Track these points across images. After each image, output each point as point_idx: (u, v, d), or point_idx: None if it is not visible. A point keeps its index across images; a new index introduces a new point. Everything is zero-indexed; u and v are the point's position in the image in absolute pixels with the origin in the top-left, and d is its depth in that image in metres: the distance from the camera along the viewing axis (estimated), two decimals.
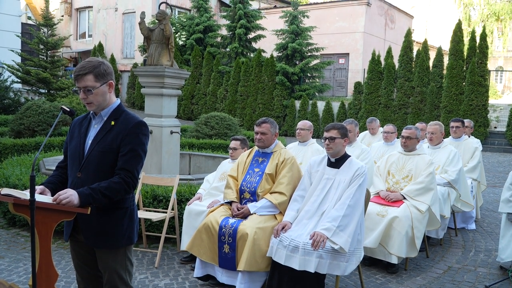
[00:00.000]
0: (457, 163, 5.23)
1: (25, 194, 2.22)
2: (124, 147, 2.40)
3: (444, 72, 15.77)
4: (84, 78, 2.37)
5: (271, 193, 3.87)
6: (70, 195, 2.23)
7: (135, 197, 4.37)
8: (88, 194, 2.27)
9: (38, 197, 2.28)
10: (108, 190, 2.32)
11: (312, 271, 3.32)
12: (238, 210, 3.83)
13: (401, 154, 4.82)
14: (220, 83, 19.17)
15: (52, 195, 2.37)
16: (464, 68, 15.39)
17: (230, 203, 3.97)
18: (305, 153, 5.25)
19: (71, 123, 2.62)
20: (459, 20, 16.41)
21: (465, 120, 6.69)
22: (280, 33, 18.71)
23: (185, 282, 3.99)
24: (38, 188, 2.40)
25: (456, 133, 6.06)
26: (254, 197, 3.91)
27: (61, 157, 2.76)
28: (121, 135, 2.41)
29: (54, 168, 2.72)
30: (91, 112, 2.52)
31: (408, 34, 16.47)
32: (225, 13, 20.00)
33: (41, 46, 15.38)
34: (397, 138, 5.80)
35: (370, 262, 4.50)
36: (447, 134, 5.66)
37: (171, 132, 6.20)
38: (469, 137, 6.45)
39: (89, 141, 2.46)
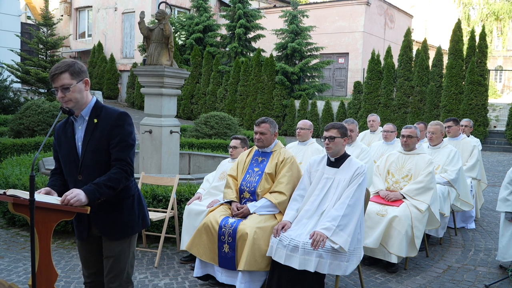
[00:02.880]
0: (457, 163, 5.23)
1: None
2: (113, 139, 2.46)
3: (444, 71, 15.77)
4: (60, 77, 2.40)
5: (270, 192, 3.86)
6: (77, 194, 2.27)
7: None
8: (93, 190, 2.32)
9: (45, 197, 2.33)
10: (110, 181, 2.39)
11: (312, 270, 3.32)
12: (238, 210, 3.83)
13: (401, 153, 4.82)
14: (219, 83, 19.17)
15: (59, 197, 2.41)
16: (464, 68, 15.39)
17: (229, 202, 3.97)
18: (305, 153, 5.25)
19: (54, 131, 2.63)
20: (459, 19, 16.41)
21: (465, 120, 6.70)
22: (280, 32, 18.70)
23: (185, 281, 3.99)
24: (44, 189, 2.45)
25: (450, 133, 6.04)
26: (254, 196, 3.91)
27: None
28: (107, 130, 2.46)
29: (53, 168, 2.72)
30: (71, 116, 2.53)
31: (408, 33, 16.46)
32: (224, 13, 20.00)
33: (41, 46, 15.34)
34: (397, 137, 5.80)
35: (370, 262, 4.50)
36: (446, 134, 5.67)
37: (171, 132, 6.20)
38: (468, 136, 6.45)
39: (79, 143, 2.50)
